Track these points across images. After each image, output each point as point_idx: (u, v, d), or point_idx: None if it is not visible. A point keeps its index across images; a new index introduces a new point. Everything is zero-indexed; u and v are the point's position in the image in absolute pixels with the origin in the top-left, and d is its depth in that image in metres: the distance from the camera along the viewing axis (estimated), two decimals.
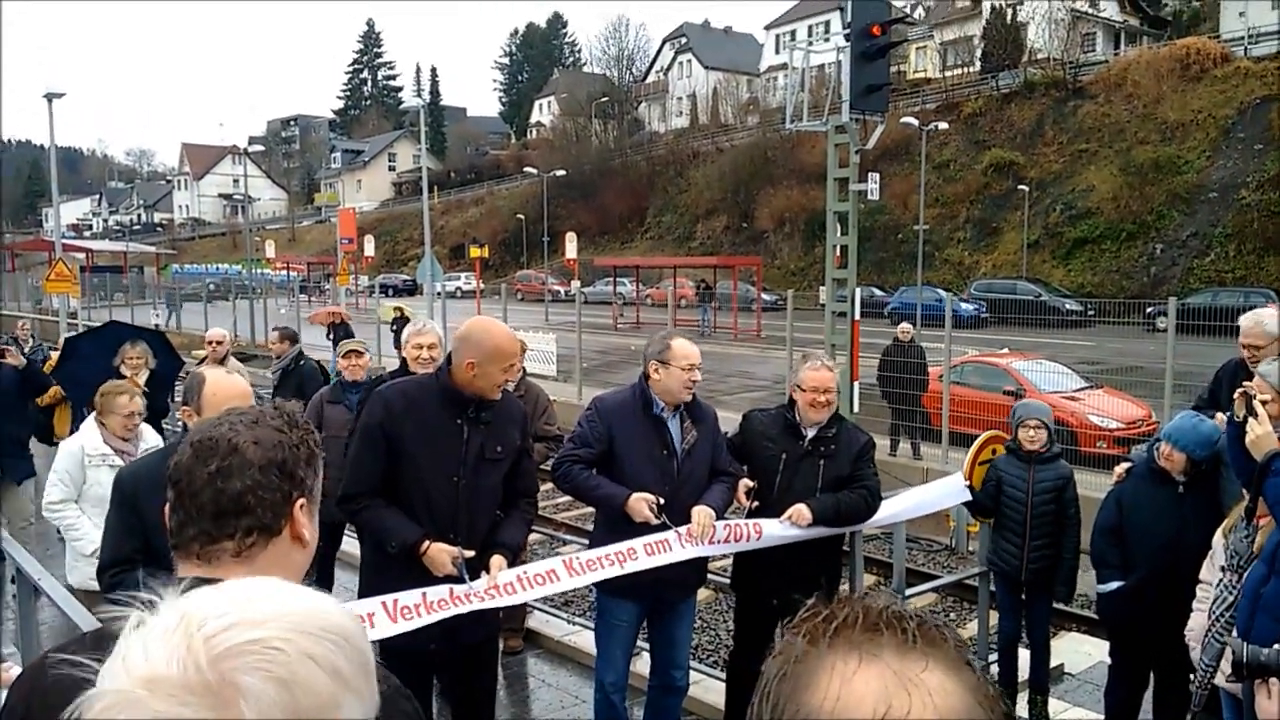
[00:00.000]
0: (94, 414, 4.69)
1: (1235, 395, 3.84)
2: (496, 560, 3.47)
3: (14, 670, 2.36)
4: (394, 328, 21.54)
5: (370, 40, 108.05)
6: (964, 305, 25.37)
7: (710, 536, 3.95)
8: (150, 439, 4.77)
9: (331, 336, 16.85)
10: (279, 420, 1.46)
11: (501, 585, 3.48)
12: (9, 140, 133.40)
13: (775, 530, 4.15)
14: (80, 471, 4.54)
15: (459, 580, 3.32)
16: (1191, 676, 4.21)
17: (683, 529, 3.88)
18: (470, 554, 3.34)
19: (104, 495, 4.37)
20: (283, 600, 0.76)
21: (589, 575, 3.82)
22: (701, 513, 3.92)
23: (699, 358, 3.97)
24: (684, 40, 72.28)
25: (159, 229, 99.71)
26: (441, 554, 3.29)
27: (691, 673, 4.70)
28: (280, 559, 1.41)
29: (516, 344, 3.45)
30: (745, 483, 4.19)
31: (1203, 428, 4.27)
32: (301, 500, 1.43)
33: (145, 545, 2.72)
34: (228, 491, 1.38)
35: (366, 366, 6.38)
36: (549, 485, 9.50)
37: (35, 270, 44.04)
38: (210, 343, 7.74)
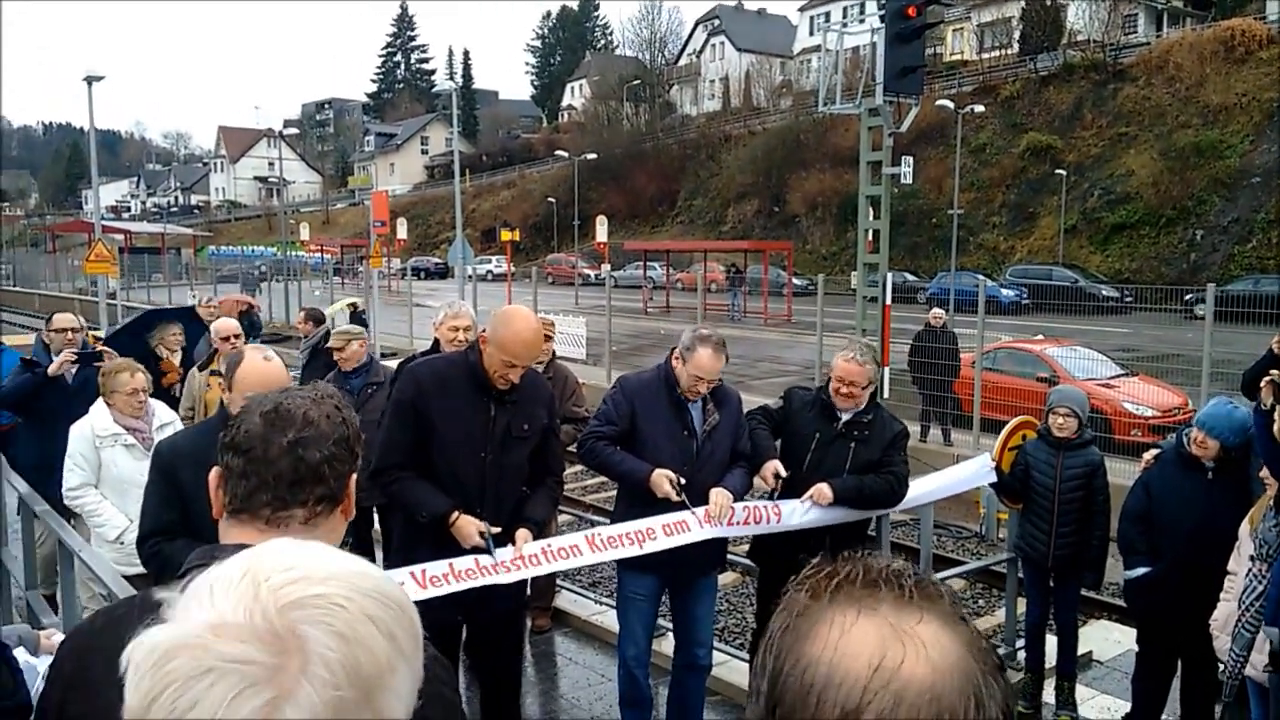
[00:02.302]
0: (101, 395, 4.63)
1: (1263, 383, 3.79)
2: (522, 533, 3.56)
3: (56, 637, 2.43)
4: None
5: (403, 24, 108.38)
6: (1005, 291, 25.10)
7: (730, 518, 3.99)
8: (164, 415, 4.70)
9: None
10: (333, 400, 1.56)
11: (526, 556, 3.57)
12: (50, 123, 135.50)
13: (796, 511, 4.16)
14: (94, 453, 4.46)
15: (485, 552, 3.41)
16: (1220, 666, 4.19)
17: (700, 510, 3.92)
18: (497, 530, 3.43)
19: (121, 476, 4.39)
20: (342, 563, 0.78)
21: (610, 552, 3.89)
22: (720, 494, 3.95)
23: (713, 374, 3.95)
24: (717, 22, 71.79)
25: (195, 211, 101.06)
26: (469, 525, 3.39)
27: (717, 653, 4.74)
28: (334, 528, 1.50)
29: (529, 350, 3.46)
30: (776, 465, 4.17)
31: (1236, 415, 4.23)
32: (354, 473, 1.52)
33: (184, 516, 2.79)
34: (308, 460, 1.44)
35: (361, 354, 6.21)
36: (578, 467, 9.61)
37: (75, 251, 44.80)
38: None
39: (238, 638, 0.68)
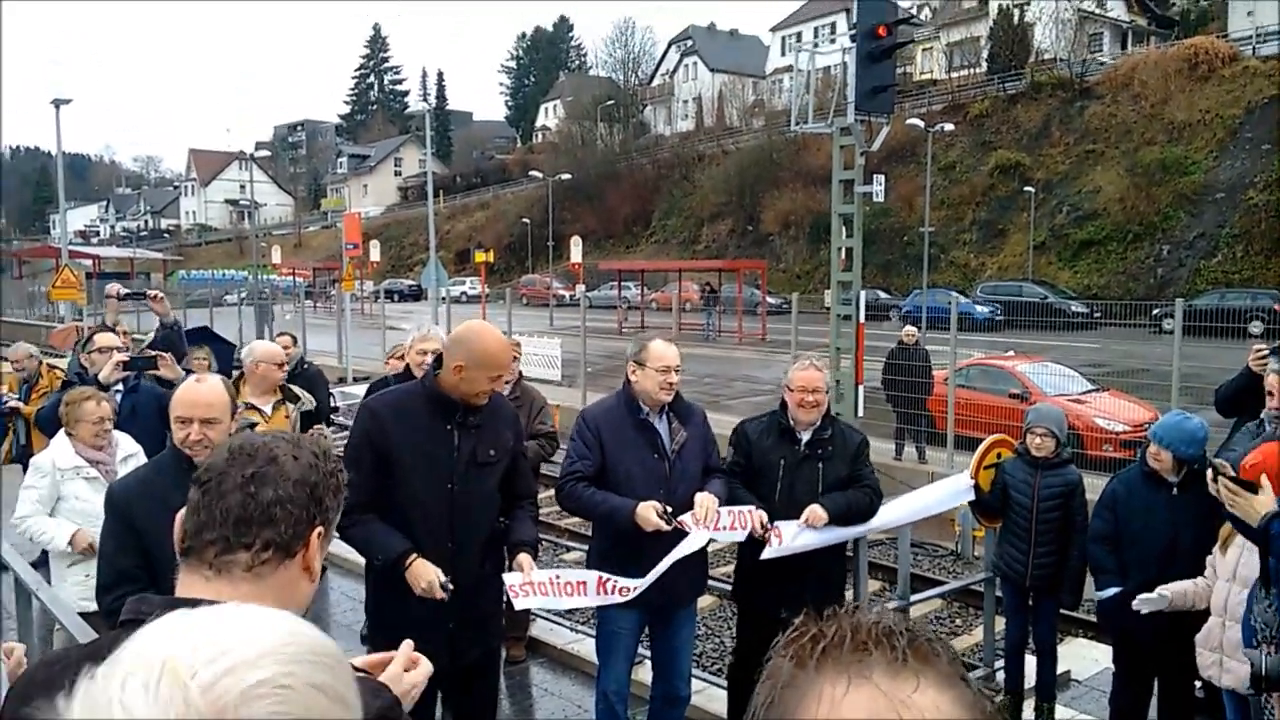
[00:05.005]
0: (63, 426, 4.41)
1: (1209, 471, 3.72)
2: (523, 558, 3.44)
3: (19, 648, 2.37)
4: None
5: (377, 45, 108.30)
6: (979, 308, 25.28)
7: (715, 522, 3.89)
8: (127, 446, 4.49)
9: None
10: (315, 448, 1.49)
11: (536, 584, 3.46)
12: (17, 147, 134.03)
13: (793, 534, 4.09)
14: (53, 488, 4.30)
15: (438, 602, 3.16)
16: (1196, 683, 4.17)
17: (686, 516, 3.83)
18: (452, 587, 3.18)
19: (84, 510, 4.23)
20: (262, 629, 0.69)
21: (616, 597, 3.80)
22: (704, 497, 3.87)
23: (676, 360, 3.93)
24: (690, 43, 72.28)
25: (166, 235, 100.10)
26: (425, 569, 3.15)
27: (695, 681, 4.68)
28: (288, 585, 1.38)
29: (508, 356, 3.40)
30: (762, 516, 4.06)
31: (1187, 425, 4.21)
32: (320, 529, 1.42)
33: (145, 561, 2.64)
34: (258, 498, 1.36)
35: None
36: (549, 491, 9.51)
37: (42, 278, 44.06)
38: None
39: None
